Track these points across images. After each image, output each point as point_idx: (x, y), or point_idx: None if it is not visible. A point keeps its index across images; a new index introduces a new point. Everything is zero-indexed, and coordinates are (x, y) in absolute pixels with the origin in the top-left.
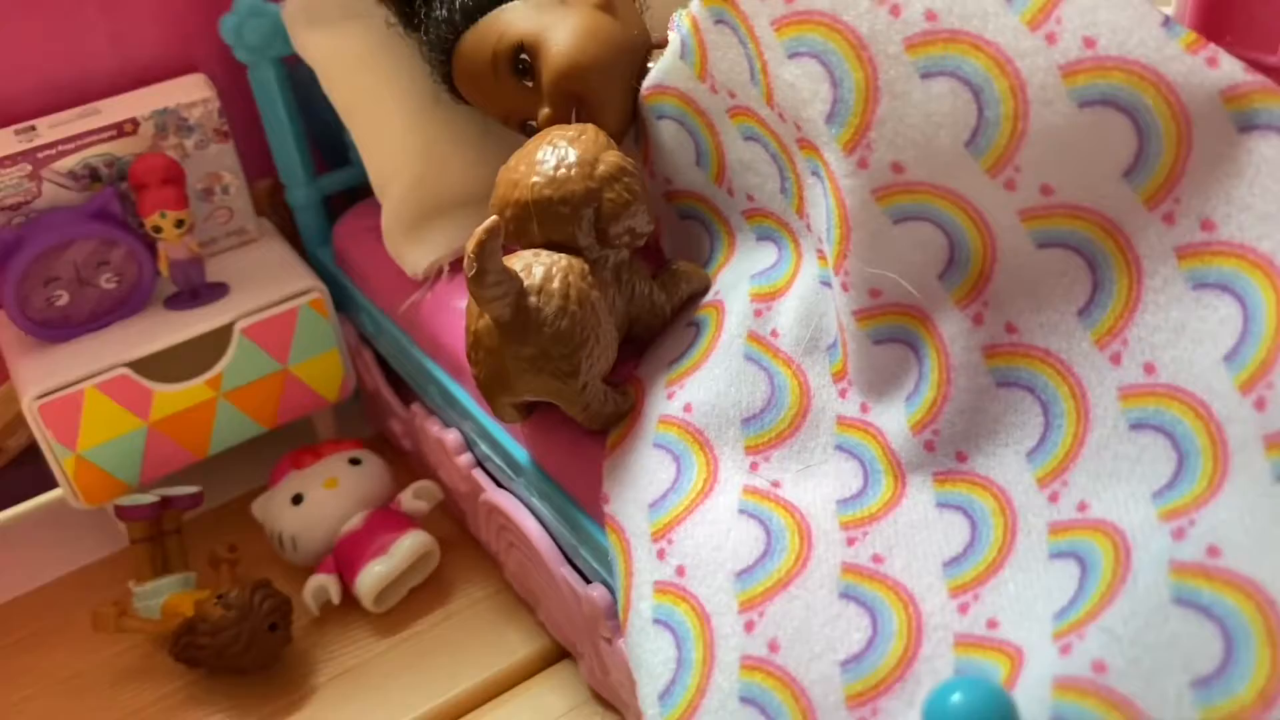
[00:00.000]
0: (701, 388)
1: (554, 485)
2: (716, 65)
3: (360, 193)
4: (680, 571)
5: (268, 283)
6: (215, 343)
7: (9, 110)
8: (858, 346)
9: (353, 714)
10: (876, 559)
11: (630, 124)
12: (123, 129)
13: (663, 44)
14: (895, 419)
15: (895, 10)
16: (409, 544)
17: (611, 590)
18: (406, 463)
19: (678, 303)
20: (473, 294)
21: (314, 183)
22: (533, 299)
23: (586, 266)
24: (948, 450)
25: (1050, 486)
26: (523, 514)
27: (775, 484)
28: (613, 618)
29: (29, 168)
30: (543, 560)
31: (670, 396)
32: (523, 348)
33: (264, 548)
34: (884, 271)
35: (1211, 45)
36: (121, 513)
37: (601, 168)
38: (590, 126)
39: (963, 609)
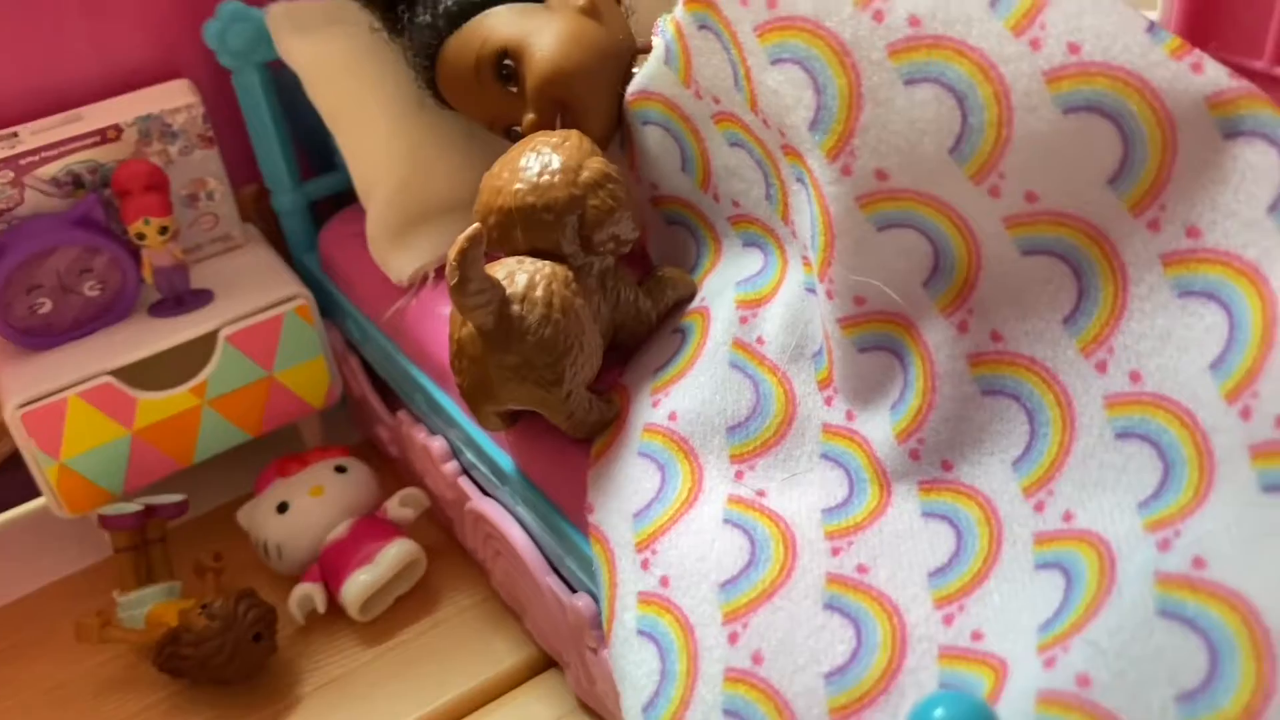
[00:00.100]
0: (687, 396)
1: (539, 494)
2: (701, 71)
3: (347, 198)
4: (664, 582)
5: (253, 289)
6: (200, 350)
7: None
8: (843, 354)
9: None
10: (861, 569)
11: (615, 129)
12: (106, 135)
13: (648, 49)
14: (881, 427)
15: (878, 16)
16: (395, 552)
17: (597, 600)
18: (394, 469)
19: (663, 309)
20: (455, 302)
21: (300, 188)
22: (516, 307)
23: (570, 274)
24: (933, 459)
25: (1036, 496)
26: (508, 522)
27: (760, 493)
28: (598, 627)
29: (11, 174)
30: (528, 569)
31: (655, 404)
32: (506, 356)
33: (250, 556)
34: (868, 279)
35: (1196, 51)
36: (105, 522)
37: (585, 174)
38: (574, 132)
39: (947, 620)
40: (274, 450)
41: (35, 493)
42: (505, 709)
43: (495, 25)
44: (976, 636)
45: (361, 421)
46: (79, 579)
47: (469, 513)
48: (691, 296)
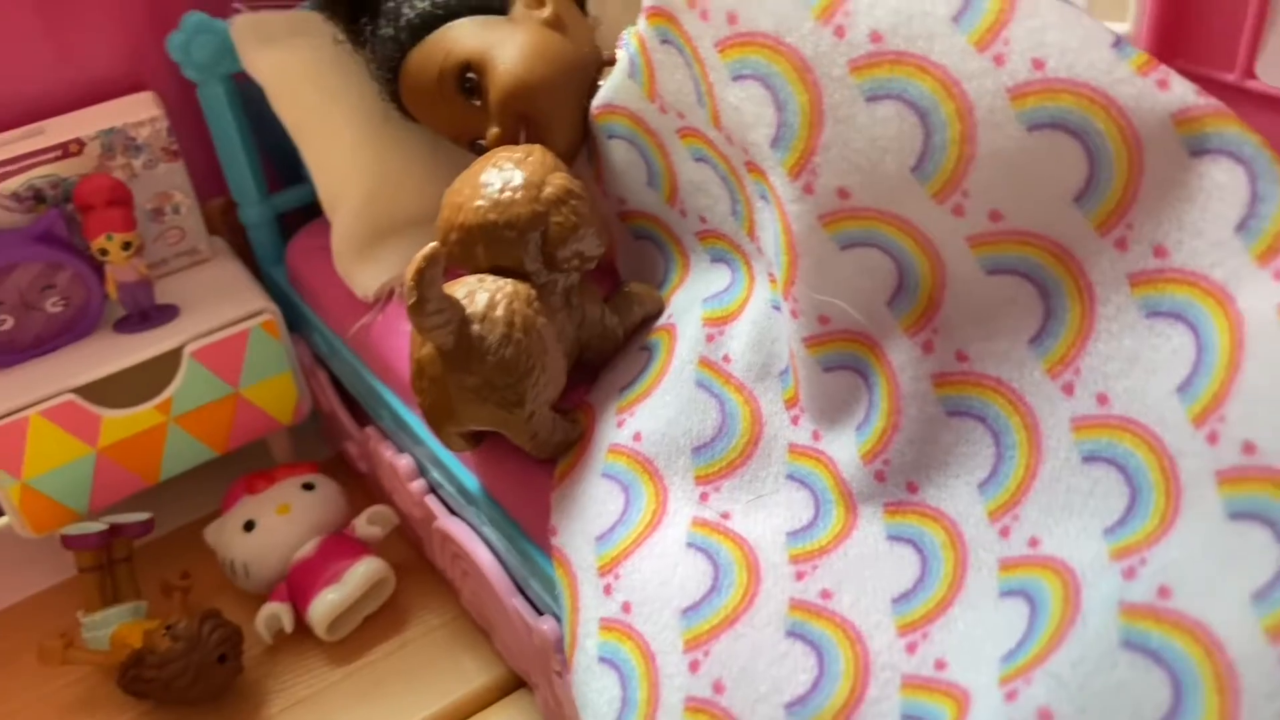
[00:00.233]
0: (652, 416)
1: (504, 514)
2: (664, 85)
3: (316, 210)
4: (626, 608)
5: (219, 304)
6: (164, 366)
7: None
8: (808, 373)
9: None
10: (825, 594)
11: (582, 143)
12: (68, 149)
13: (614, 61)
14: (846, 448)
15: (840, 31)
16: (362, 571)
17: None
18: (364, 485)
19: (630, 326)
20: (413, 323)
21: (267, 200)
22: (476, 327)
23: (533, 292)
24: (898, 480)
25: (1001, 520)
26: (475, 543)
27: (725, 515)
28: (562, 651)
29: None
30: (494, 591)
31: (620, 424)
32: (466, 377)
33: (217, 575)
34: (831, 299)
35: (1163, 67)
36: (67, 542)
37: (548, 190)
38: (538, 147)
39: (911, 648)
40: (243, 466)
41: None
42: None
43: (458, 38)
44: (940, 665)
45: (332, 437)
46: (46, 597)
47: (436, 532)
48: (659, 312)
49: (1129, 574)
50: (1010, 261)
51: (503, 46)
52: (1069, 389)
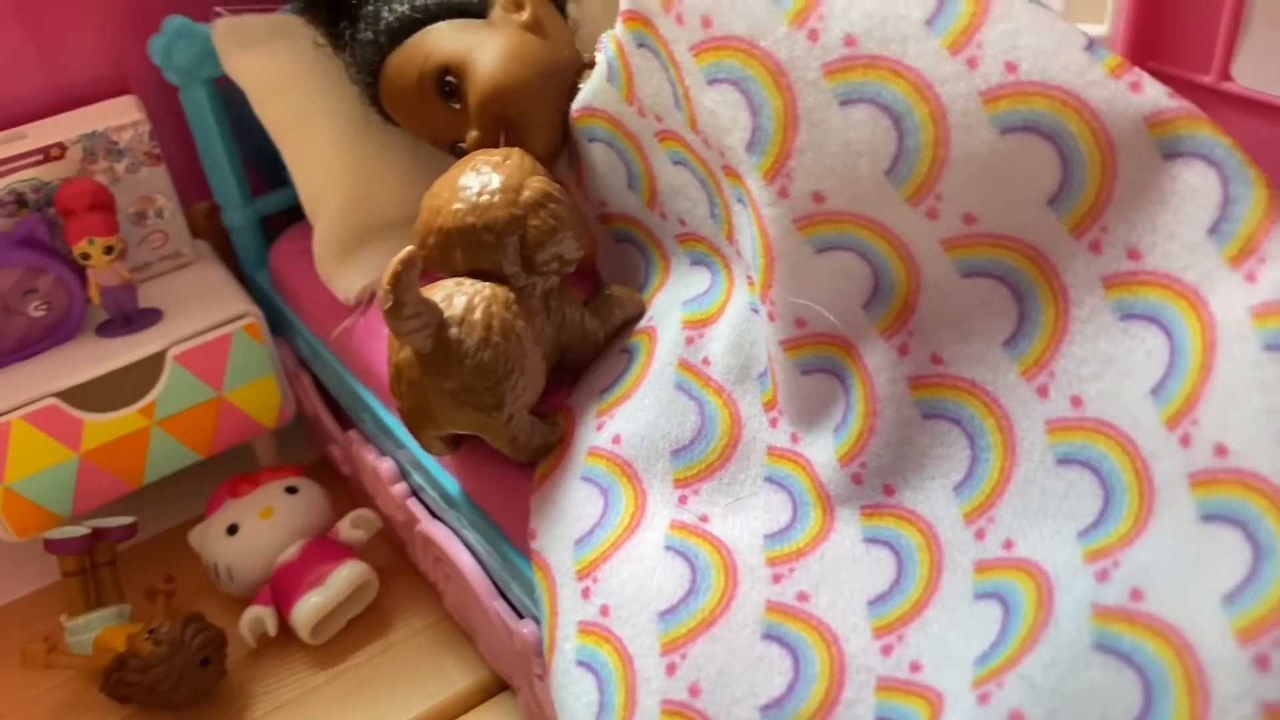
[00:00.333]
0: (631, 418)
1: (484, 518)
2: (642, 89)
3: (299, 213)
4: (604, 611)
5: (202, 308)
6: (147, 370)
7: None
8: (786, 376)
9: None
10: (802, 597)
11: (562, 146)
12: (49, 153)
13: (594, 64)
14: (824, 450)
15: (814, 35)
16: (346, 574)
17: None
18: (348, 488)
19: (611, 329)
20: (390, 327)
21: (250, 204)
22: (454, 330)
23: (512, 295)
24: (875, 483)
25: (977, 523)
26: (456, 546)
27: (703, 518)
28: (543, 654)
29: None
30: (476, 594)
31: (600, 427)
32: (444, 381)
33: (202, 578)
34: (807, 302)
35: (1135, 69)
36: (50, 546)
37: (526, 193)
38: (516, 150)
39: (886, 650)
40: (227, 470)
41: None
42: None
43: (437, 41)
44: (915, 668)
45: (315, 440)
46: (30, 601)
47: (418, 535)
48: (640, 315)
49: (1102, 576)
50: (984, 264)
51: (482, 50)
52: (1043, 391)
